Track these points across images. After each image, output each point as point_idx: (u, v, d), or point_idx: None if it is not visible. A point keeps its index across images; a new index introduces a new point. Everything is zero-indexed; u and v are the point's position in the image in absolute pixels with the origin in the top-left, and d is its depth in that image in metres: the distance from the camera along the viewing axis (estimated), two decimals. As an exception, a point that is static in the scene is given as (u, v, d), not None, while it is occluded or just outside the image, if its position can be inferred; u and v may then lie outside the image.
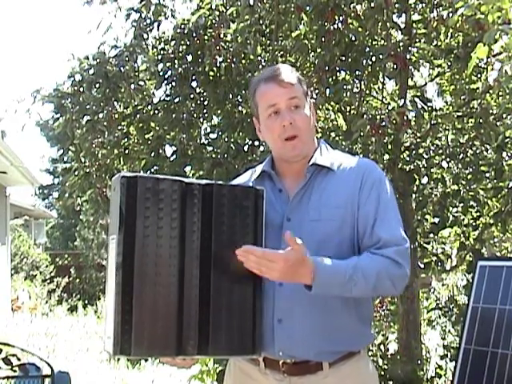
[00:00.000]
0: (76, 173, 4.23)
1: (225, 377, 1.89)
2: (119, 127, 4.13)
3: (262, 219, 1.65)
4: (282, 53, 3.90)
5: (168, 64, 4.09)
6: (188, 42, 4.05)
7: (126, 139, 4.19)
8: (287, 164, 1.78)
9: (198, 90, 4.10)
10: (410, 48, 3.62)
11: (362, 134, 3.29)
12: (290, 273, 1.52)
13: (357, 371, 1.71)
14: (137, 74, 4.12)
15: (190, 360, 1.63)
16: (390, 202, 1.71)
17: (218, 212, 1.60)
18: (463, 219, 3.96)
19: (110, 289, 1.55)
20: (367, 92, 3.92)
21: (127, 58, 3.95)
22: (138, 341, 1.49)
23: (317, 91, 3.56)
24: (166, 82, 4.13)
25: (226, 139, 3.93)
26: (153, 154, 4.05)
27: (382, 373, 3.79)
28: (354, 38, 3.57)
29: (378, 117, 3.29)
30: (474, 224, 3.93)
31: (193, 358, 1.62)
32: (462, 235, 3.98)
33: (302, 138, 1.72)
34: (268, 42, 3.94)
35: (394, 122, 3.36)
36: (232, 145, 3.89)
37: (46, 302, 12.24)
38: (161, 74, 4.10)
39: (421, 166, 3.75)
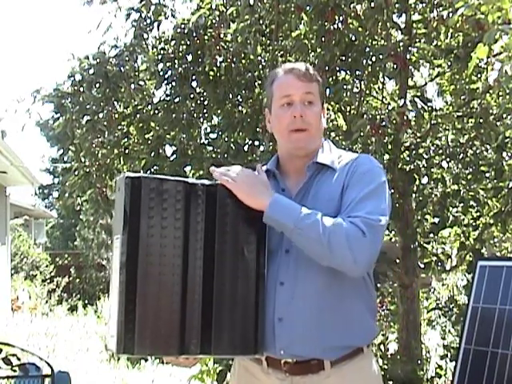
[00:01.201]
0: (76, 173, 4.23)
1: (230, 375, 1.90)
2: (119, 127, 4.13)
3: None
4: (281, 53, 3.89)
5: (168, 64, 4.09)
6: (188, 42, 4.05)
7: (126, 139, 4.19)
8: (291, 162, 1.79)
9: (198, 90, 4.10)
10: (409, 48, 3.62)
11: (362, 133, 3.29)
12: (250, 180, 1.63)
13: (360, 371, 1.70)
14: (137, 73, 4.12)
15: (193, 359, 1.64)
16: (374, 193, 1.65)
17: (222, 212, 1.61)
18: (463, 219, 3.96)
19: (113, 288, 1.56)
20: (367, 92, 3.92)
21: (127, 58, 3.95)
22: (141, 339, 1.50)
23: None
24: (165, 81, 4.13)
25: (226, 139, 3.93)
26: (153, 154, 4.04)
27: (382, 373, 3.78)
28: (354, 38, 3.57)
29: (378, 117, 3.29)
30: (473, 224, 3.93)
31: (195, 358, 1.63)
32: (462, 235, 3.98)
33: (310, 132, 1.74)
34: (268, 41, 3.93)
35: (394, 121, 3.36)
36: (232, 145, 3.89)
37: (46, 302, 12.23)
38: (161, 73, 4.10)
39: (421, 165, 3.75)
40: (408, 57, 3.58)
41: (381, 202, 1.65)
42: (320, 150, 1.78)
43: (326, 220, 1.58)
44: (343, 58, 3.58)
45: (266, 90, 1.88)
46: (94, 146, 4.07)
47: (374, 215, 1.59)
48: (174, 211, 1.56)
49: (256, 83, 3.96)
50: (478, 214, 3.96)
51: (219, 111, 4.08)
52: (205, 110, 4.15)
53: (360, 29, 3.58)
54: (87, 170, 4.17)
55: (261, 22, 3.75)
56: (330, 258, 1.57)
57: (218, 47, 3.85)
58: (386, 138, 3.43)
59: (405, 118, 3.36)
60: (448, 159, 3.87)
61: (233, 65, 3.92)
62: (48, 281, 13.53)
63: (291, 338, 1.65)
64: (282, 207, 1.61)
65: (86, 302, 13.01)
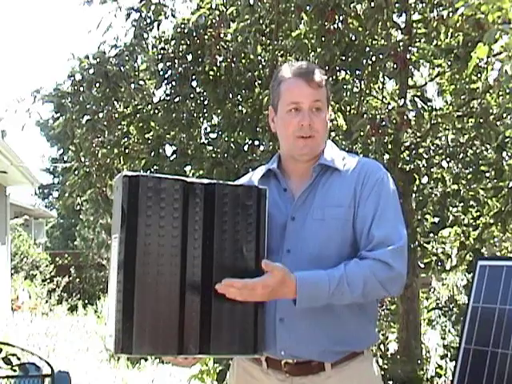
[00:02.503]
0: (76, 172, 4.23)
1: (228, 376, 1.89)
2: (119, 127, 4.12)
3: (264, 218, 1.65)
4: (282, 52, 3.89)
5: (168, 63, 4.08)
6: (188, 42, 4.04)
7: (126, 139, 4.19)
8: (294, 162, 1.78)
9: (197, 90, 4.10)
10: (410, 48, 3.62)
11: (362, 133, 3.29)
12: (271, 295, 1.56)
13: (360, 372, 1.70)
14: (137, 73, 4.11)
15: (192, 359, 1.63)
16: (390, 203, 1.71)
17: (220, 211, 1.60)
18: (463, 219, 3.96)
19: (112, 287, 1.55)
20: (367, 92, 3.92)
21: (127, 58, 3.95)
22: (139, 339, 1.50)
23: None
24: (166, 81, 4.13)
25: (226, 139, 3.93)
26: (153, 154, 4.04)
27: (382, 373, 3.78)
28: (354, 38, 3.57)
29: (377, 116, 3.29)
30: (473, 224, 3.93)
31: (194, 357, 1.62)
32: (462, 235, 3.97)
33: (316, 139, 1.73)
34: (268, 41, 3.93)
35: (394, 121, 3.35)
36: (232, 144, 3.89)
37: (46, 302, 12.23)
38: (161, 73, 4.10)
39: (421, 165, 3.75)
40: (408, 56, 3.58)
41: (399, 214, 1.71)
42: (324, 151, 1.78)
43: (354, 278, 1.59)
44: (343, 58, 3.58)
45: (271, 88, 1.84)
46: (93, 145, 4.07)
47: (396, 234, 1.65)
48: (172, 210, 1.55)
49: (256, 83, 3.96)
50: (478, 213, 3.96)
51: (219, 111, 4.08)
52: (205, 110, 4.15)
53: (360, 29, 3.58)
54: (87, 169, 4.17)
55: (261, 21, 3.75)
56: (369, 300, 1.67)
57: (217, 47, 3.85)
58: (386, 137, 3.43)
59: (405, 117, 3.35)
60: (448, 159, 3.87)
61: (233, 64, 3.92)
62: (48, 280, 13.53)
63: (292, 338, 1.65)
64: (309, 296, 1.59)
65: (86, 301, 13.00)
